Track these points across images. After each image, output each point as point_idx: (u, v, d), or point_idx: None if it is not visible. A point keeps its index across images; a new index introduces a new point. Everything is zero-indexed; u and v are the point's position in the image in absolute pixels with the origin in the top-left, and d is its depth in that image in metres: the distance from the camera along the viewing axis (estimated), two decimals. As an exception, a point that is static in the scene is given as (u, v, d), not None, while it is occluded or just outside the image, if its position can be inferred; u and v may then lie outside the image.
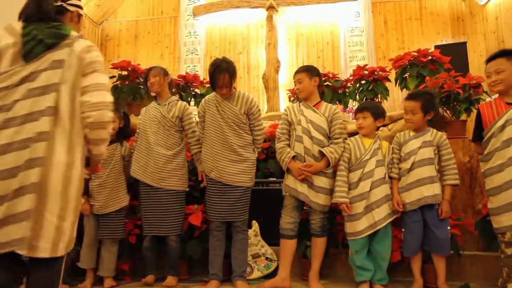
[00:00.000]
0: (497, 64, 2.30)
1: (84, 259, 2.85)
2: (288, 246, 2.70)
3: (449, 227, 2.52)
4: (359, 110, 2.72)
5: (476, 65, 5.65)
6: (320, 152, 2.63)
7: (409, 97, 2.68)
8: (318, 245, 2.68)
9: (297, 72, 2.80)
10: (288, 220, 2.69)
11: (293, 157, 2.66)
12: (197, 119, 2.94)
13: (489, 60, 2.36)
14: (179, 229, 2.83)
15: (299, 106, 2.79)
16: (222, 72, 2.62)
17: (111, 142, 2.90)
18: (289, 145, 2.75)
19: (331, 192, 2.66)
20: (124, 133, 3.01)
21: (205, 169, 2.77)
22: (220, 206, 2.69)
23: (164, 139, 2.83)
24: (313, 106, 2.75)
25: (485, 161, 2.36)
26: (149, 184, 2.79)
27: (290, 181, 2.68)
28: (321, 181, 2.64)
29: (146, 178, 2.79)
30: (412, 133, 2.64)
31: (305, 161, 2.63)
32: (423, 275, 2.59)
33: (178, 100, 2.96)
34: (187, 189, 2.91)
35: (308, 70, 2.78)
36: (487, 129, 2.34)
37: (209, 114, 2.77)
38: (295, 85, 2.79)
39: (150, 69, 2.95)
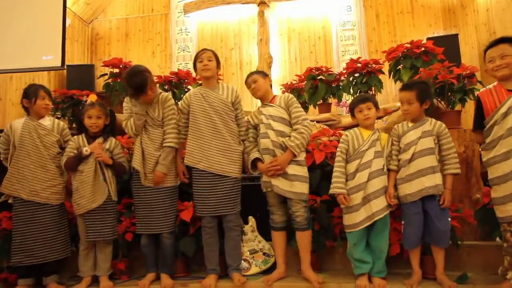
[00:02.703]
0: (501, 49, 2.28)
1: (82, 268, 2.81)
2: (283, 237, 2.76)
3: (449, 219, 2.49)
4: (362, 101, 2.66)
5: (468, 57, 5.68)
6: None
7: (404, 88, 2.65)
8: (306, 238, 2.66)
9: (250, 75, 2.88)
10: (280, 214, 2.75)
11: (258, 159, 2.72)
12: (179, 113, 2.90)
13: (492, 45, 2.33)
14: (172, 225, 2.78)
15: (258, 109, 2.85)
16: (206, 50, 2.85)
17: (95, 138, 2.86)
18: (257, 150, 2.79)
19: (306, 179, 2.65)
20: (109, 129, 2.93)
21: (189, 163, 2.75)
22: (210, 200, 2.67)
23: (152, 139, 2.77)
24: (269, 102, 2.79)
25: (488, 150, 2.33)
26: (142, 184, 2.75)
27: (265, 176, 2.72)
28: (294, 169, 2.63)
29: (143, 177, 2.73)
30: (410, 124, 2.60)
31: (274, 153, 2.65)
32: (422, 266, 2.58)
33: (160, 93, 2.87)
34: (177, 183, 2.85)
35: (261, 73, 2.91)
36: (489, 117, 2.31)
37: (196, 105, 2.77)
38: (250, 86, 2.84)
39: (146, 82, 2.66)
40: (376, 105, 2.68)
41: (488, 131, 2.33)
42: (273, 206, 2.77)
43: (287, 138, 2.65)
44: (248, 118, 2.91)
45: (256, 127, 2.84)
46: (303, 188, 2.63)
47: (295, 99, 2.78)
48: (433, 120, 2.60)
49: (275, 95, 2.86)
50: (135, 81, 2.65)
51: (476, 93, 2.49)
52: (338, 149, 2.68)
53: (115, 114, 3.03)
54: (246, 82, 2.89)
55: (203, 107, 2.76)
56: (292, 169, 2.63)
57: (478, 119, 2.41)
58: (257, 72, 2.93)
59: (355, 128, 2.71)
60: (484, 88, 2.45)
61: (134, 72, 2.69)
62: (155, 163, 2.73)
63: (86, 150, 2.75)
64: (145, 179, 2.73)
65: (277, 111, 2.73)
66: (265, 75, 2.88)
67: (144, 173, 2.72)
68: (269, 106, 2.78)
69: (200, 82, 4.49)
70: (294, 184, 2.61)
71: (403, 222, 2.55)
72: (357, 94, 4.12)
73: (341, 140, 2.70)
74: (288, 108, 2.74)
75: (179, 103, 2.95)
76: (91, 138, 2.86)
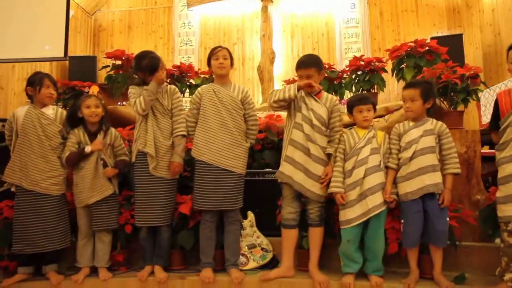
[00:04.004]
0: None
1: (81, 258, 2.82)
2: (290, 235, 2.69)
3: (448, 219, 2.49)
4: (362, 102, 2.67)
5: (472, 57, 5.66)
6: (323, 148, 2.64)
7: (408, 86, 2.66)
8: (317, 235, 2.66)
9: (306, 67, 2.70)
10: (289, 210, 2.67)
11: (292, 143, 2.63)
12: (190, 106, 2.90)
13: None
14: (170, 218, 2.79)
15: (301, 92, 2.73)
16: (222, 48, 2.85)
17: (94, 134, 2.86)
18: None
19: (328, 181, 2.64)
20: (106, 120, 2.92)
21: (196, 155, 2.74)
22: (214, 194, 2.66)
23: (161, 128, 2.77)
24: (315, 96, 2.71)
25: (500, 150, 2.35)
26: (147, 172, 2.73)
27: (286, 169, 2.65)
28: (319, 170, 2.62)
29: (152, 164, 2.71)
30: (412, 123, 2.60)
31: (308, 148, 2.60)
32: (419, 265, 2.58)
33: (167, 85, 2.90)
34: (177, 176, 2.86)
35: (317, 65, 2.72)
36: (504, 118, 2.32)
37: (207, 99, 2.78)
38: (301, 78, 2.69)
39: (159, 60, 2.79)
40: (374, 107, 2.70)
41: (502, 132, 2.34)
42: (285, 199, 2.70)
43: (329, 149, 2.65)
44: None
45: (290, 103, 2.70)
46: (323, 190, 2.63)
47: (340, 105, 2.77)
48: (434, 120, 2.60)
49: (322, 90, 2.78)
50: (146, 60, 2.73)
51: (496, 92, 2.47)
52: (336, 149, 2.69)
53: (116, 106, 3.05)
54: (297, 69, 2.75)
55: (213, 102, 2.76)
56: (317, 169, 2.61)
57: (495, 119, 2.40)
58: (313, 62, 2.72)
59: (352, 128, 2.73)
60: (503, 88, 2.45)
61: (144, 54, 2.80)
62: (164, 152, 2.74)
63: (87, 148, 2.77)
64: (154, 167, 2.71)
65: (319, 108, 2.67)
66: (320, 68, 2.73)
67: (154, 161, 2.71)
68: (313, 99, 2.70)
69: (202, 76, 4.52)
70: (316, 185, 2.61)
71: (402, 221, 2.55)
72: (358, 92, 4.11)
73: None
74: (331, 112, 2.69)
75: (192, 97, 2.95)
76: (91, 135, 2.85)
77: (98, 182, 2.78)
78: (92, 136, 2.85)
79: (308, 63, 2.72)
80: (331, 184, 2.60)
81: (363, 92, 4.03)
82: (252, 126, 2.86)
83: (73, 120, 2.88)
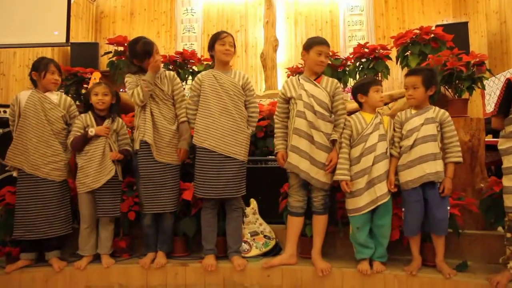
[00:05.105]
0: None
1: (85, 247, 2.81)
2: (296, 223, 2.69)
3: (448, 207, 2.48)
4: (378, 82, 2.69)
5: (477, 46, 5.60)
6: (327, 134, 2.62)
7: (410, 73, 2.63)
8: (321, 222, 2.66)
9: (327, 44, 2.73)
10: (296, 199, 2.67)
11: (296, 132, 2.61)
12: (190, 94, 2.88)
13: None
14: (176, 204, 2.80)
15: (299, 80, 2.73)
16: (228, 33, 2.81)
17: (103, 118, 2.86)
18: (286, 127, 2.75)
19: (333, 169, 2.63)
20: (115, 109, 2.93)
21: (195, 142, 2.72)
22: (216, 182, 2.65)
23: (163, 114, 2.77)
24: (314, 80, 2.69)
25: (508, 138, 2.30)
26: (152, 160, 2.72)
27: (292, 158, 2.63)
28: (323, 157, 2.60)
29: (155, 151, 2.71)
30: (414, 111, 2.59)
31: (311, 135, 2.58)
32: (422, 253, 2.58)
33: (165, 70, 2.88)
34: (179, 163, 2.85)
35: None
36: None
37: (207, 85, 2.75)
38: (320, 55, 2.69)
39: (152, 44, 2.77)
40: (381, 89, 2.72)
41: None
42: (292, 187, 2.70)
43: (334, 135, 2.61)
44: (283, 89, 2.78)
45: (288, 100, 2.74)
46: (328, 178, 2.62)
47: (341, 88, 2.75)
48: (437, 108, 2.58)
49: (322, 75, 2.75)
50: (139, 45, 2.71)
51: (508, 77, 2.37)
52: (341, 135, 2.67)
53: (119, 93, 3.03)
54: (319, 45, 2.71)
55: (214, 87, 2.73)
56: (322, 156, 2.59)
57: (505, 104, 2.32)
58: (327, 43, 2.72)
59: (357, 113, 2.70)
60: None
61: (136, 39, 2.79)
62: (170, 137, 2.74)
63: (91, 131, 2.76)
64: (158, 154, 2.70)
65: (321, 94, 2.64)
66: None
67: (157, 148, 2.70)
68: (313, 84, 2.67)
69: (205, 62, 4.48)
70: (321, 173, 2.59)
71: (403, 209, 2.55)
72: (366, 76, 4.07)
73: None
74: (333, 96, 2.67)
75: (192, 84, 2.93)
76: (99, 118, 2.86)
77: (105, 166, 2.78)
78: (100, 121, 2.85)
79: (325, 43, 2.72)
80: (337, 171, 2.59)
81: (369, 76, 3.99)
82: (253, 113, 2.83)
83: (87, 105, 2.91)
